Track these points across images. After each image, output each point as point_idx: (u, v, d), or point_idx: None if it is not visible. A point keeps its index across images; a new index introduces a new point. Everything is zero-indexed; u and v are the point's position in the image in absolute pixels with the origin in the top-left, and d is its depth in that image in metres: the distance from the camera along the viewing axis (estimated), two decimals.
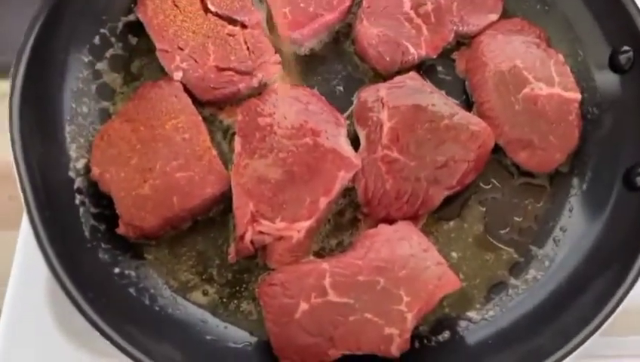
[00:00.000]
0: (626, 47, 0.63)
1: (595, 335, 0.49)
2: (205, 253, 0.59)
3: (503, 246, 0.60)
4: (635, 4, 0.62)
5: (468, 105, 0.67)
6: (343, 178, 0.58)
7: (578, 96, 0.63)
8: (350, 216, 0.61)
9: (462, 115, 0.62)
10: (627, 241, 0.53)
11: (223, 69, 0.64)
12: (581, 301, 0.53)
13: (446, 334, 0.56)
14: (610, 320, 0.50)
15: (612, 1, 0.63)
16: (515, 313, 0.56)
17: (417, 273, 0.53)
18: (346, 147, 0.60)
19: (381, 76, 0.67)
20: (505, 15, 0.70)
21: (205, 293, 0.58)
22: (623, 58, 0.63)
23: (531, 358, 0.49)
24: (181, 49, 0.64)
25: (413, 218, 0.59)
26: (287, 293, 0.53)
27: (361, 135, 0.62)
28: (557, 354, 0.48)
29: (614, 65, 0.64)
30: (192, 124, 0.60)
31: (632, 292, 0.50)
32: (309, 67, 0.69)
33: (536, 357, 0.49)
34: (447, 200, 0.61)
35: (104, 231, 0.57)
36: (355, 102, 0.65)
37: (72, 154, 0.59)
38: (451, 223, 0.61)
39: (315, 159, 0.58)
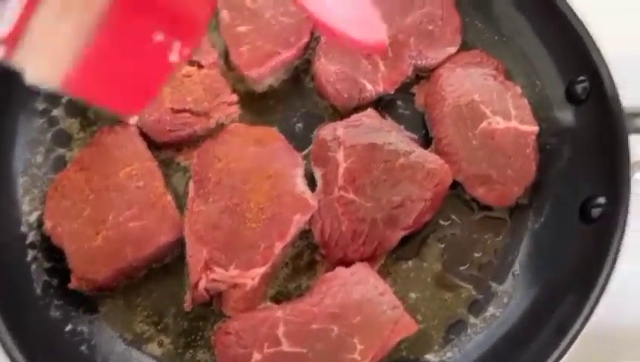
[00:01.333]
0: (581, 77, 0.62)
1: None
2: (161, 301, 0.59)
3: (462, 284, 0.60)
4: (589, 34, 0.62)
5: (427, 139, 0.66)
6: (298, 221, 0.57)
7: (535, 129, 0.63)
8: (308, 259, 0.60)
9: (418, 153, 0.61)
10: (583, 272, 0.52)
11: (179, 111, 0.64)
12: (539, 335, 0.52)
13: None
14: (569, 352, 0.49)
15: (567, 32, 0.63)
16: (473, 353, 0.56)
17: (373, 319, 0.53)
18: (302, 188, 0.59)
19: (340, 113, 0.67)
20: (464, 47, 0.70)
21: (160, 344, 0.57)
22: (579, 88, 0.63)
23: None
24: None
25: (371, 259, 0.59)
26: (241, 343, 0.52)
27: (318, 175, 0.62)
28: None
29: (571, 96, 0.64)
30: (146, 171, 0.60)
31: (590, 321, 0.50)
32: (268, 105, 0.69)
33: None
34: (406, 239, 0.61)
35: (57, 285, 0.57)
36: (313, 141, 0.65)
37: (25, 207, 0.59)
38: (410, 263, 0.61)
39: (269, 203, 0.58)
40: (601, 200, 0.57)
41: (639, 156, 0.57)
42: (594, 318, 0.50)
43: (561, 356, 0.48)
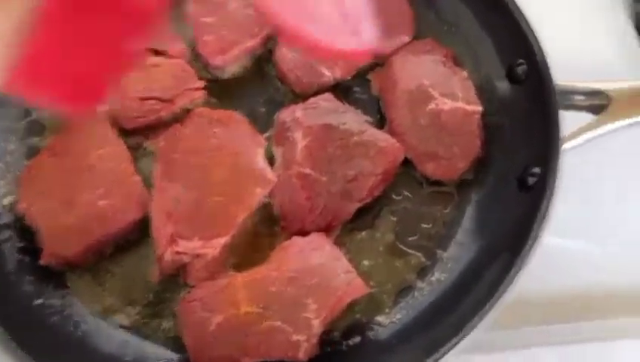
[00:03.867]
0: (520, 60, 0.68)
1: (487, 321, 0.52)
2: (129, 276, 0.62)
3: (412, 252, 0.64)
4: (526, 21, 0.67)
5: (382, 121, 0.71)
6: (258, 194, 0.61)
7: (479, 108, 0.68)
8: (268, 231, 0.64)
9: (371, 132, 0.66)
10: (515, 234, 0.57)
11: (146, 98, 0.68)
12: (475, 291, 0.57)
13: (356, 338, 0.59)
14: (501, 305, 0.53)
15: (506, 20, 0.68)
16: (419, 314, 0.60)
17: (326, 281, 0.57)
18: (262, 165, 0.64)
19: (300, 97, 0.72)
20: (416, 37, 0.75)
21: (128, 315, 0.60)
22: (518, 70, 0.68)
23: (432, 347, 0.52)
24: None
25: (327, 230, 0.63)
26: (204, 308, 0.56)
27: (278, 154, 0.66)
28: (454, 340, 0.52)
29: (512, 78, 0.69)
30: (115, 153, 0.64)
31: (521, 285, 0.54)
32: (232, 91, 0.73)
33: (437, 344, 0.52)
34: (361, 212, 0.65)
35: (29, 263, 0.60)
36: (274, 123, 0.69)
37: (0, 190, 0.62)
38: (364, 233, 0.65)
39: (231, 178, 0.62)
40: (537, 169, 0.61)
41: (569, 129, 0.62)
42: (522, 285, 0.54)
43: (490, 308, 0.52)
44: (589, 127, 0.63)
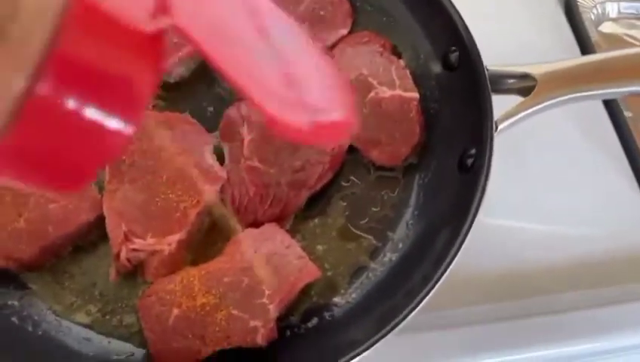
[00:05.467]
0: (453, 48, 0.72)
1: (433, 295, 0.55)
2: (88, 275, 0.63)
3: (363, 235, 0.67)
4: (455, 9, 0.71)
5: None
6: (208, 191, 0.63)
7: (416, 95, 0.71)
8: (222, 225, 0.65)
9: None
10: (456, 212, 0.60)
11: None
12: (423, 264, 0.60)
13: (314, 321, 0.62)
14: (445, 276, 0.56)
15: (436, 9, 0.72)
16: (373, 293, 0.63)
17: (279, 268, 0.59)
18: (211, 162, 0.65)
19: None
20: (356, 29, 0.78)
21: (88, 313, 0.61)
22: (452, 57, 0.72)
23: (385, 320, 0.55)
24: None
25: (280, 219, 0.65)
26: (161, 302, 0.57)
27: (226, 150, 0.68)
28: (406, 310, 0.54)
29: (447, 65, 0.73)
30: None
31: (460, 267, 0.58)
32: (180, 93, 0.74)
33: (389, 318, 0.55)
34: (312, 200, 0.68)
35: None
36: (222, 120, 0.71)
37: None
38: (316, 220, 0.68)
39: (181, 176, 0.63)
40: (473, 151, 0.65)
41: (501, 111, 0.66)
42: (462, 266, 0.58)
43: (436, 283, 0.55)
44: (518, 109, 0.66)
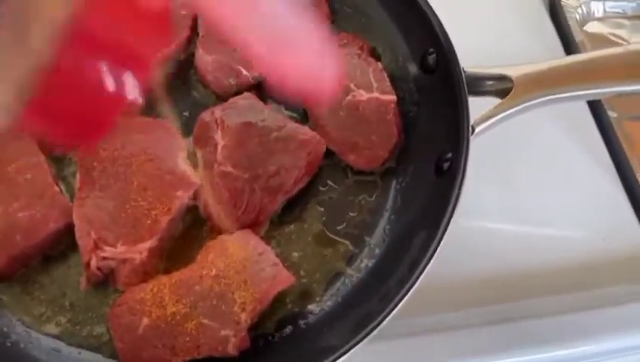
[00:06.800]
0: (430, 50, 0.71)
1: (409, 299, 0.54)
2: (58, 285, 0.61)
3: (340, 240, 0.66)
4: (432, 11, 0.70)
5: (307, 117, 0.73)
6: (180, 197, 0.62)
7: (393, 98, 0.70)
8: (196, 233, 0.65)
9: (291, 127, 0.68)
10: (432, 216, 0.59)
11: None
12: (398, 268, 0.59)
13: (288, 329, 0.61)
14: (421, 280, 0.55)
15: (414, 11, 0.71)
16: (349, 299, 0.62)
17: (252, 276, 0.58)
18: (183, 168, 0.64)
19: (223, 99, 0.73)
20: (337, 30, 0.77)
21: (58, 324, 0.60)
22: (430, 60, 0.71)
23: (360, 326, 0.54)
24: None
25: (254, 225, 0.64)
26: (131, 312, 0.56)
27: (200, 155, 0.67)
28: (382, 315, 0.54)
29: (424, 67, 0.72)
30: (34, 165, 0.63)
31: (440, 271, 0.57)
32: (157, 97, 0.73)
33: (366, 321, 0.54)
34: (289, 205, 0.67)
35: None
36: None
37: None
38: (292, 226, 0.66)
39: (152, 183, 0.62)
40: (450, 154, 0.64)
41: (479, 114, 0.65)
42: (440, 269, 0.57)
43: (411, 287, 0.54)
44: (495, 111, 0.65)
